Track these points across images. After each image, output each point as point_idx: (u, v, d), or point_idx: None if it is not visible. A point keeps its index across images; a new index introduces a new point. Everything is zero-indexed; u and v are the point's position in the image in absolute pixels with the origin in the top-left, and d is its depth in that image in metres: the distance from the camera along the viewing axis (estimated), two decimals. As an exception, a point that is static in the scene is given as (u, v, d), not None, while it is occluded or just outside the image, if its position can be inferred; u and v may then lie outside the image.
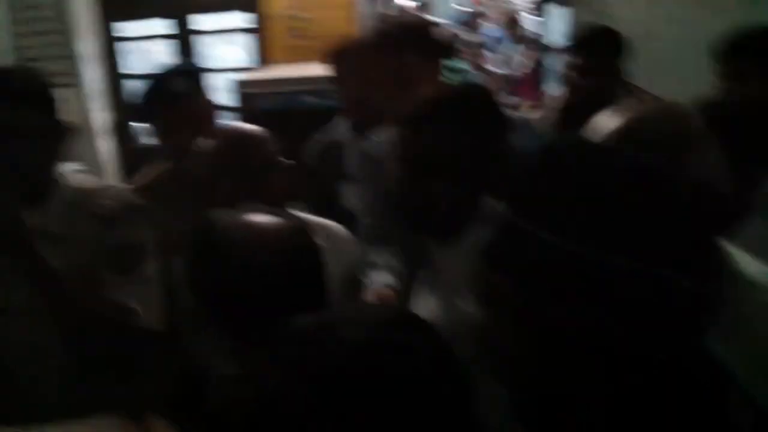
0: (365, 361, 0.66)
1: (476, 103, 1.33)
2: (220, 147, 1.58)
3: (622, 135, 0.96)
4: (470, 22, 7.41)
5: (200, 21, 4.67)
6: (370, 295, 1.52)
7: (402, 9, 7.16)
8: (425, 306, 1.37)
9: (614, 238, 0.62)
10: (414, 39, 1.83)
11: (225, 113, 4.28)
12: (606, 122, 0.99)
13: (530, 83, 5.44)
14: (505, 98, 5.61)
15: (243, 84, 3.92)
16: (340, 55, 2.37)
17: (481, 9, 7.53)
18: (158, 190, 1.99)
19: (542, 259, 0.65)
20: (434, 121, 1.28)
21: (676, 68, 3.38)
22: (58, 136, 1.50)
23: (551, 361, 0.68)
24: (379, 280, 1.56)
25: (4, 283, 1.44)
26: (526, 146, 1.12)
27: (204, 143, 1.62)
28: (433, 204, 1.26)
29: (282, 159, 1.61)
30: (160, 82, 2.00)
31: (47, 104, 1.49)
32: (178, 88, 1.95)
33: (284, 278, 1.02)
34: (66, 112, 1.52)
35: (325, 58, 2.41)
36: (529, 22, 6.22)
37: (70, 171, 1.59)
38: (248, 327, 0.97)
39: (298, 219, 1.15)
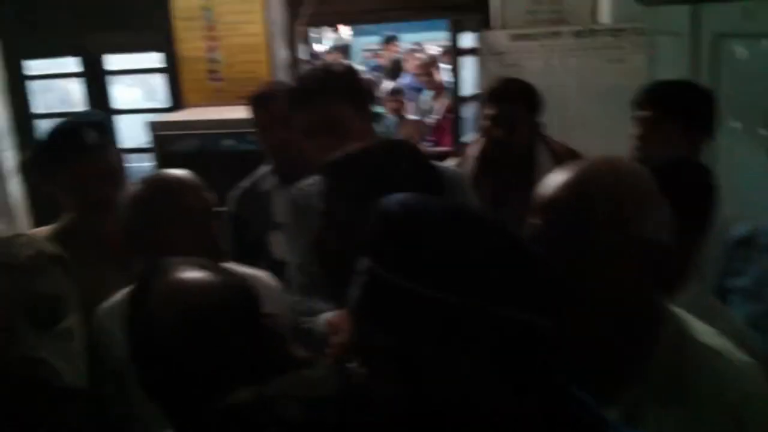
0: None
1: (402, 157, 1.30)
2: (153, 195, 1.51)
3: (572, 192, 0.97)
4: (387, 69, 7.55)
5: (113, 61, 4.54)
6: (323, 327, 1.46)
7: (318, 55, 7.22)
8: None
9: (463, 282, 0.68)
10: (344, 86, 1.82)
11: (139, 156, 4.19)
12: (555, 179, 0.99)
13: (446, 130, 5.56)
14: (424, 144, 5.72)
15: (157, 125, 3.82)
16: (265, 99, 2.35)
17: (398, 56, 7.70)
18: (71, 240, 1.90)
19: (403, 308, 0.69)
20: (354, 173, 1.25)
21: (583, 121, 3.54)
22: None
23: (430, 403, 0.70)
24: (326, 317, 1.50)
25: None
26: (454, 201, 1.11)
27: (127, 193, 1.55)
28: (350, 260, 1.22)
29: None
30: (68, 133, 1.94)
31: None
32: (88, 140, 1.91)
33: (230, 340, 0.96)
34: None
35: (249, 101, 2.38)
36: (444, 71, 6.36)
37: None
38: (189, 396, 0.91)
39: (239, 274, 1.11)
